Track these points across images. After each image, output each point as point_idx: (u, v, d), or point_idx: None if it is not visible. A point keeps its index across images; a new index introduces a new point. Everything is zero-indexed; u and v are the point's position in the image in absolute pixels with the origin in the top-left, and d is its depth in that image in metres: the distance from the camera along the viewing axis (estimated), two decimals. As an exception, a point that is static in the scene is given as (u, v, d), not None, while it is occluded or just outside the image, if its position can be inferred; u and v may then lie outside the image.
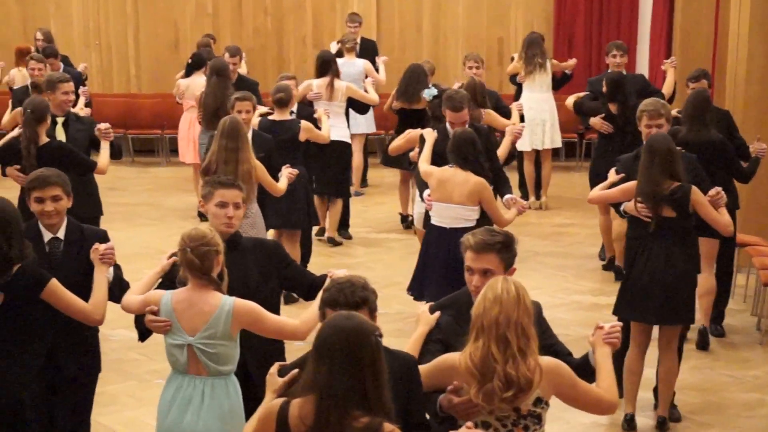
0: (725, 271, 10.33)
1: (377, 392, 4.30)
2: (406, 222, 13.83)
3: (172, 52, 19.03)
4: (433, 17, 18.93)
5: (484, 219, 8.72)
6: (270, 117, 11.32)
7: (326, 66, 13.44)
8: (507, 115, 11.57)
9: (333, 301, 4.85)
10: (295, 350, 5.95)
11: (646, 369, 8.29)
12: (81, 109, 11.50)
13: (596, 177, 10.59)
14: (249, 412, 5.41)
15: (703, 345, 9.89)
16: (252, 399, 5.63)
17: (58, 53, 14.90)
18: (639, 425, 8.18)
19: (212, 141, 9.15)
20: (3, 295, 5.80)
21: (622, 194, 8.29)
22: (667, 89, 12.40)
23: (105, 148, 9.81)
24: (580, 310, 10.68)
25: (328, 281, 5.50)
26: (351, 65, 14.79)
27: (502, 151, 10.10)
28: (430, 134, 9.63)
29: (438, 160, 9.20)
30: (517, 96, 14.76)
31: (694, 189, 7.94)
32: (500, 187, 9.25)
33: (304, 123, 11.32)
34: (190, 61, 14.92)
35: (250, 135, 9.53)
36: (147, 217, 14.60)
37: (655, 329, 8.24)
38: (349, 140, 13.48)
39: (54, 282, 5.92)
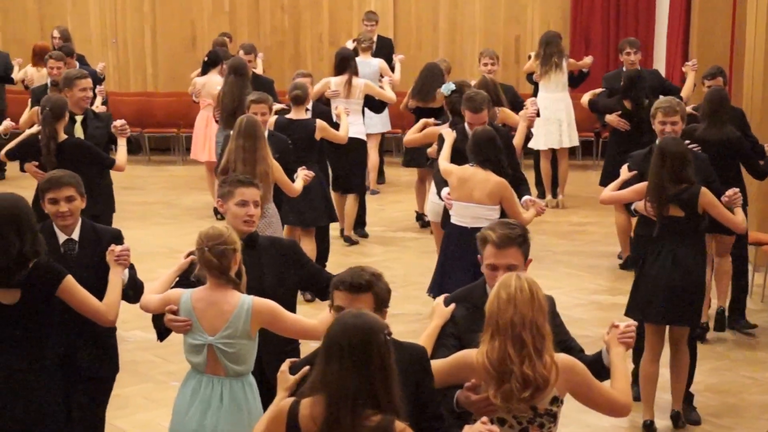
0: (740, 269, 10.31)
1: (387, 390, 4.31)
2: (422, 220, 13.82)
3: (189, 50, 19.04)
4: (450, 15, 18.91)
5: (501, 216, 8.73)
6: (287, 116, 11.32)
7: (345, 63, 13.43)
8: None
9: (339, 280, 4.95)
10: (311, 350, 5.95)
11: (661, 369, 8.27)
12: (97, 108, 11.52)
13: (609, 176, 10.60)
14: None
15: (720, 327, 9.94)
16: (268, 398, 5.56)
17: (74, 52, 14.91)
18: (659, 427, 8.15)
19: (228, 140, 9.17)
20: (20, 292, 5.80)
21: (634, 195, 8.30)
22: (686, 93, 12.33)
23: (122, 145, 9.84)
24: (598, 310, 10.64)
25: None
26: (366, 65, 14.77)
27: (517, 139, 10.18)
28: (449, 134, 9.62)
29: (457, 159, 9.19)
30: (535, 94, 14.72)
31: (704, 190, 7.91)
32: (518, 187, 9.24)
33: (319, 122, 11.31)
34: (206, 59, 14.92)
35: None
36: (162, 216, 14.61)
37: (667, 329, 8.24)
38: (365, 138, 13.47)
39: (70, 279, 5.91)
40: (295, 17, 19.22)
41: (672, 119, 8.52)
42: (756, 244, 10.84)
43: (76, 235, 6.39)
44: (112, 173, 10.00)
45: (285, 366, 4.86)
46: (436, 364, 5.05)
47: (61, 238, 6.36)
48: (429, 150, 10.88)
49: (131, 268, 6.44)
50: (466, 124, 9.59)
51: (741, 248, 10.23)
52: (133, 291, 6.42)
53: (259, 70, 15.23)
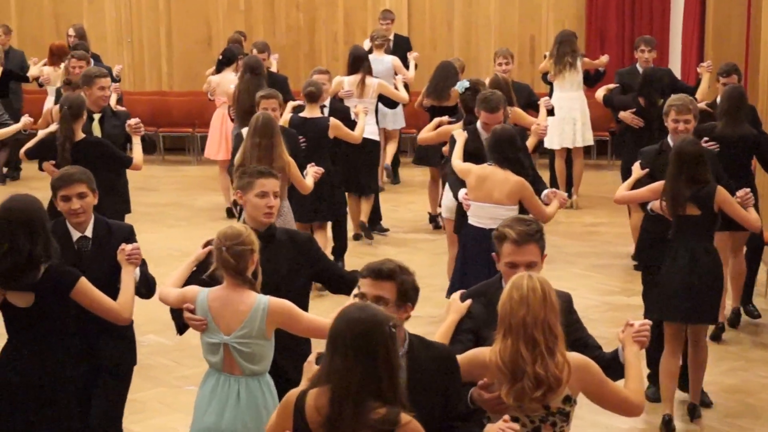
0: (752, 256, 10.40)
1: (392, 383, 4.33)
2: (435, 222, 13.80)
3: (205, 49, 19.04)
4: (465, 14, 18.87)
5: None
6: (301, 114, 11.32)
7: (358, 63, 13.43)
8: (538, 109, 11.55)
9: (365, 268, 5.00)
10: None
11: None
12: (115, 107, 11.53)
13: (629, 173, 10.62)
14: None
15: (734, 323, 10.13)
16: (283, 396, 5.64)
17: (89, 50, 14.94)
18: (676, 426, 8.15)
19: (243, 138, 9.17)
20: (34, 296, 5.82)
21: (650, 194, 8.31)
22: (701, 95, 12.24)
23: (137, 143, 9.85)
24: (612, 311, 10.60)
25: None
26: (380, 62, 14.74)
27: (528, 144, 10.11)
28: (460, 135, 9.59)
29: (469, 160, 9.16)
30: (550, 94, 14.68)
31: (720, 189, 7.96)
32: (535, 184, 9.19)
33: (333, 120, 11.32)
34: (220, 57, 14.92)
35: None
36: (175, 218, 14.58)
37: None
38: (377, 137, 13.48)
39: (83, 281, 5.93)
40: (310, 16, 19.21)
41: (685, 117, 8.54)
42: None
43: (89, 232, 6.41)
44: (128, 172, 10.00)
45: (312, 356, 4.87)
46: None
47: (75, 235, 6.38)
48: (444, 148, 10.87)
49: (143, 264, 6.45)
50: (478, 125, 9.57)
51: (756, 240, 10.27)
52: (145, 288, 6.45)
53: (273, 69, 15.22)
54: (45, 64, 15.88)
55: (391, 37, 16.04)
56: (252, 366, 5.71)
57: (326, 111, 11.63)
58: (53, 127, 9.64)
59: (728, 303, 10.19)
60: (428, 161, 13.39)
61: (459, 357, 5.07)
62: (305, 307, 6.09)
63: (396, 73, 14.65)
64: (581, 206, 14.95)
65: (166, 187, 16.50)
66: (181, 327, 6.07)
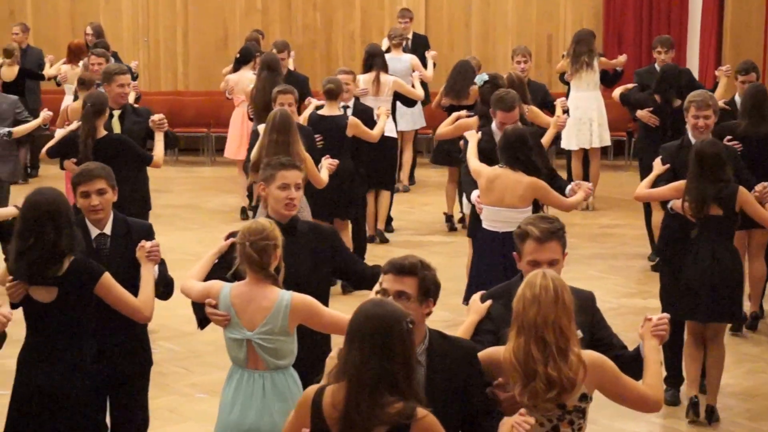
0: None
1: (408, 378, 4.37)
2: (451, 222, 13.75)
3: (221, 49, 19.01)
4: (482, 14, 18.83)
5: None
6: (319, 111, 11.31)
7: (371, 59, 13.41)
8: (554, 110, 11.51)
9: (387, 263, 5.03)
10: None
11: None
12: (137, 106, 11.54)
13: (646, 170, 10.58)
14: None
15: (752, 327, 10.12)
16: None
17: (109, 48, 14.94)
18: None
19: (259, 135, 9.17)
20: (57, 290, 5.83)
21: (671, 192, 8.32)
22: (717, 98, 12.15)
23: (159, 140, 9.87)
24: (629, 314, 10.51)
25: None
26: (398, 60, 14.72)
27: (545, 141, 10.09)
28: (472, 135, 9.52)
29: (483, 161, 9.10)
30: (568, 94, 14.62)
31: (741, 188, 8.03)
32: (554, 180, 9.12)
33: (352, 119, 11.30)
34: (238, 55, 14.91)
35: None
36: (189, 221, 14.49)
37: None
38: (394, 135, 13.45)
39: (107, 276, 5.94)
40: (327, 16, 19.19)
41: (705, 113, 8.58)
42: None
43: (108, 230, 6.40)
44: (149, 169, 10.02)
45: (335, 351, 4.86)
46: None
47: (94, 232, 6.37)
48: (461, 142, 10.84)
49: (162, 263, 6.43)
50: (493, 125, 9.53)
51: None
52: (164, 287, 6.45)
53: (292, 68, 15.20)
54: (63, 63, 15.87)
55: (410, 35, 16.00)
56: (276, 361, 5.71)
57: (350, 111, 11.59)
58: (74, 125, 9.68)
59: (747, 303, 10.10)
60: (448, 161, 13.33)
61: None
62: (326, 302, 6.10)
63: (414, 71, 14.58)
64: (598, 207, 14.88)
65: (179, 189, 16.41)
66: (202, 321, 6.06)
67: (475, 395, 4.92)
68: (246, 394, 5.72)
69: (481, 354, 5.07)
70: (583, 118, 14.67)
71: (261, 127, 9.56)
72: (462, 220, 13.58)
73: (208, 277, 5.99)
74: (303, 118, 11.01)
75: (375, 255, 12.53)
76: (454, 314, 9.26)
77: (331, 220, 11.06)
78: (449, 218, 13.84)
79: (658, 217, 11.85)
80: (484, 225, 8.85)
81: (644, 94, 12.35)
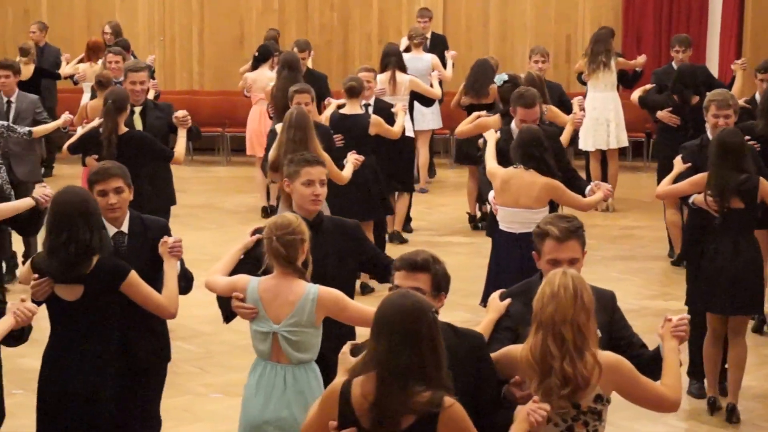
0: None
1: (436, 367, 4.45)
2: (474, 221, 13.69)
3: (237, 48, 19.00)
4: (500, 14, 18.79)
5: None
6: (341, 110, 11.26)
7: (386, 58, 13.39)
8: (569, 109, 11.48)
9: (399, 260, 5.13)
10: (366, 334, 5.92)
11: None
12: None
13: (665, 170, 10.53)
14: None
15: None
16: (325, 382, 5.68)
17: (129, 46, 14.89)
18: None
19: (277, 134, 9.16)
20: (82, 288, 5.86)
21: (692, 187, 8.31)
22: (736, 93, 11.99)
23: (182, 136, 9.91)
24: (650, 316, 10.41)
25: None
26: (418, 60, 14.69)
27: (563, 139, 10.06)
28: (491, 136, 9.45)
29: (502, 161, 9.03)
30: (587, 94, 14.55)
31: (763, 180, 8.06)
32: (573, 181, 9.04)
33: (374, 117, 11.28)
34: (256, 54, 14.93)
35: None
36: (206, 220, 14.45)
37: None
38: (412, 134, 13.40)
39: (133, 274, 5.99)
40: (344, 15, 19.16)
41: (725, 112, 8.60)
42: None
43: (125, 228, 6.44)
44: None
45: (347, 347, 4.92)
46: None
47: (111, 231, 6.37)
48: (480, 141, 10.79)
49: (180, 260, 6.44)
50: (512, 125, 9.46)
51: None
52: (185, 282, 6.48)
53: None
54: (80, 61, 15.83)
55: (428, 35, 15.96)
56: (299, 354, 5.75)
57: (371, 109, 11.57)
58: (96, 121, 9.69)
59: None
60: (471, 159, 13.24)
61: (492, 355, 5.11)
62: (351, 295, 6.13)
63: (433, 70, 14.52)
64: (618, 209, 14.80)
65: (195, 188, 16.29)
66: (228, 315, 6.10)
67: (484, 385, 4.97)
68: (267, 386, 5.77)
69: (497, 352, 5.10)
70: (600, 118, 14.62)
71: (279, 126, 9.54)
72: (483, 218, 13.54)
73: (233, 273, 6.04)
74: (324, 118, 11.01)
75: (393, 255, 12.48)
76: (474, 315, 9.19)
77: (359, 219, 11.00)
78: (473, 218, 13.80)
79: (670, 214, 11.85)
80: (501, 226, 8.82)
81: (662, 96, 12.30)
